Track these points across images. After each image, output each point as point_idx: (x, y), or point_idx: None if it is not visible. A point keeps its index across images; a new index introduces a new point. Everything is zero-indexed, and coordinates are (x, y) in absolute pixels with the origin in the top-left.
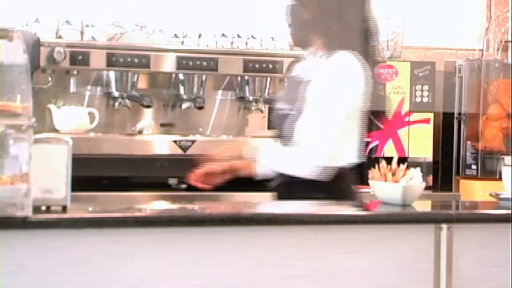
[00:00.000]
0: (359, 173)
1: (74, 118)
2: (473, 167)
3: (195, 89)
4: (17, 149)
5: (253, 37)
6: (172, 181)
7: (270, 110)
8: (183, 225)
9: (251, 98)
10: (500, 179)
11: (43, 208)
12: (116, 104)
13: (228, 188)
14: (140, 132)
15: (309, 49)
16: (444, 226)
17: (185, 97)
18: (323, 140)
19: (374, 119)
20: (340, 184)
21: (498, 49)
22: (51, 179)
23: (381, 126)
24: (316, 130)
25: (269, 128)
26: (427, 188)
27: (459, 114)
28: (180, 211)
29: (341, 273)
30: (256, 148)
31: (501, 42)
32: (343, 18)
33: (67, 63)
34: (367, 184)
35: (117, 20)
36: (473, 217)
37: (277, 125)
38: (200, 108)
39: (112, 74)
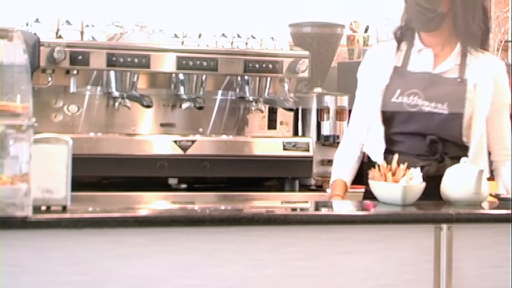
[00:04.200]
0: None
1: None
2: None
3: (195, 89)
4: (17, 149)
5: (253, 37)
6: (172, 181)
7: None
8: (183, 225)
9: (251, 98)
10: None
11: (43, 208)
12: (116, 104)
13: (228, 188)
14: None
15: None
16: (444, 226)
17: (185, 97)
18: None
19: None
20: None
21: (498, 49)
22: (51, 179)
23: None
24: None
25: (269, 128)
26: None
27: None
28: (180, 211)
29: (341, 273)
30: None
31: (501, 42)
32: (476, 18)
33: (67, 63)
34: (367, 184)
35: (117, 20)
36: (473, 217)
37: (424, 124)
38: (200, 108)
39: (112, 74)
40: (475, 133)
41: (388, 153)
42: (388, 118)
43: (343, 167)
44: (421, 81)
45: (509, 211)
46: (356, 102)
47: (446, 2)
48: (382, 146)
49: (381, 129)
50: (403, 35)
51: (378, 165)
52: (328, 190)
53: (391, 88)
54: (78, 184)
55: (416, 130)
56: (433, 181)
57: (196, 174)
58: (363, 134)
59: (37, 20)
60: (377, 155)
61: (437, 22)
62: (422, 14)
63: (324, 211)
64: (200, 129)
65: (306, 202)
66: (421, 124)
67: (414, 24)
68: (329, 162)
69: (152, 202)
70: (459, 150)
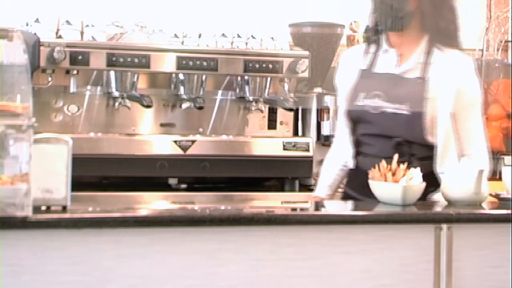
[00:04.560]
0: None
1: None
2: None
3: (195, 89)
4: (17, 149)
5: (253, 37)
6: (172, 181)
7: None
8: (183, 225)
9: (251, 98)
10: (500, 179)
11: (43, 208)
12: (116, 104)
13: (228, 188)
14: None
15: (391, 42)
16: (444, 226)
17: (185, 97)
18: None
19: None
20: None
21: (498, 49)
22: (51, 179)
23: None
24: (479, 134)
25: (269, 128)
26: None
27: None
28: (180, 211)
29: (341, 273)
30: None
31: (501, 42)
32: (444, 16)
33: (67, 63)
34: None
35: (117, 20)
36: (473, 217)
37: (388, 125)
38: (200, 108)
39: (112, 74)
40: (439, 132)
41: (358, 156)
42: (355, 121)
43: (324, 181)
44: (383, 83)
45: (509, 211)
46: (339, 110)
47: (414, 0)
48: (350, 149)
49: (347, 132)
50: (372, 36)
51: (378, 165)
52: None
53: (356, 91)
54: (78, 184)
55: (382, 132)
56: None
57: (196, 174)
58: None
59: (37, 20)
60: (347, 158)
61: (406, 21)
62: (390, 14)
63: (324, 211)
64: (200, 129)
65: (306, 202)
66: (386, 126)
67: (382, 25)
68: None
69: (152, 202)
70: (427, 150)
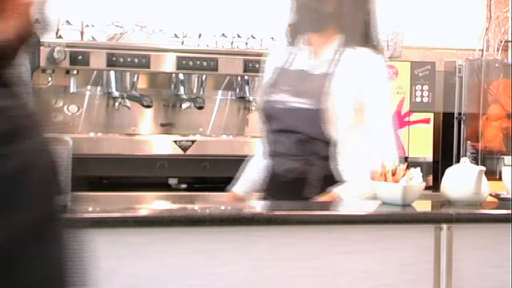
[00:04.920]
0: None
1: None
2: None
3: (195, 89)
4: None
5: (253, 37)
6: (172, 181)
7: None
8: (183, 225)
9: (251, 98)
10: (500, 179)
11: None
12: (116, 104)
13: (228, 188)
14: None
15: (308, 41)
16: (444, 226)
17: (185, 97)
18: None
19: None
20: None
21: (498, 49)
22: None
23: None
24: (388, 133)
25: None
26: (427, 188)
27: (459, 114)
28: (180, 211)
29: (341, 273)
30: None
31: (501, 42)
32: (361, 18)
33: (67, 63)
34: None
35: (117, 20)
36: (473, 217)
37: (292, 120)
38: (200, 108)
39: (112, 74)
40: (339, 128)
41: (272, 157)
42: (267, 117)
43: (246, 176)
44: (293, 79)
45: (509, 211)
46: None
47: (332, 2)
48: (261, 146)
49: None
50: (291, 36)
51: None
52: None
53: (268, 88)
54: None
55: (287, 128)
56: (301, 182)
57: (196, 174)
58: None
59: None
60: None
61: (324, 22)
62: (309, 15)
63: (324, 211)
64: (200, 129)
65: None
66: (290, 121)
67: (301, 25)
68: None
69: (152, 202)
70: (328, 148)
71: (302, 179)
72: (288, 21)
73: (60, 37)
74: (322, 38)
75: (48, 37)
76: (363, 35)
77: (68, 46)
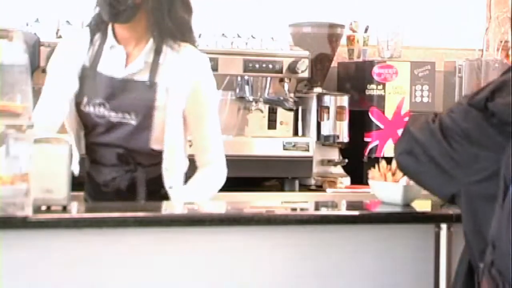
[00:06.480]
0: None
1: None
2: None
3: None
4: (17, 149)
5: (253, 37)
6: None
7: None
8: (183, 225)
9: (251, 98)
10: None
11: (43, 208)
12: None
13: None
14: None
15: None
16: (444, 226)
17: None
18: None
19: None
20: None
21: (498, 49)
22: (51, 179)
23: None
24: (216, 140)
25: (269, 128)
26: None
27: None
28: (180, 211)
29: (341, 273)
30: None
31: (501, 42)
32: (174, 11)
33: None
34: (367, 184)
35: None
36: None
37: (114, 136)
38: None
39: None
40: (166, 139)
41: (90, 163)
42: (85, 126)
43: None
44: (108, 89)
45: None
46: (42, 98)
47: None
48: (77, 155)
49: (71, 136)
50: (98, 27)
51: (378, 165)
52: (328, 190)
53: (80, 94)
54: (78, 184)
55: (106, 141)
56: (126, 194)
57: None
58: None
59: (37, 20)
60: (74, 165)
61: (128, 15)
62: (111, 6)
63: (324, 211)
64: None
65: (306, 202)
66: (111, 136)
67: (104, 15)
68: (329, 162)
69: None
70: (153, 158)
71: (129, 189)
72: (94, 8)
73: (60, 37)
74: (132, 33)
75: (48, 37)
76: (178, 31)
77: None
